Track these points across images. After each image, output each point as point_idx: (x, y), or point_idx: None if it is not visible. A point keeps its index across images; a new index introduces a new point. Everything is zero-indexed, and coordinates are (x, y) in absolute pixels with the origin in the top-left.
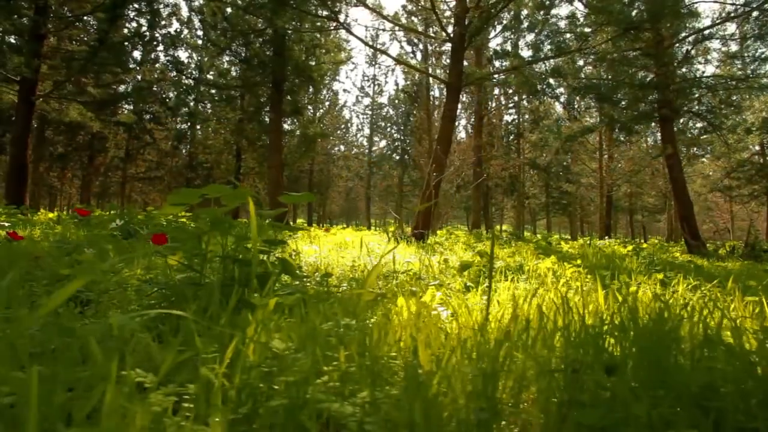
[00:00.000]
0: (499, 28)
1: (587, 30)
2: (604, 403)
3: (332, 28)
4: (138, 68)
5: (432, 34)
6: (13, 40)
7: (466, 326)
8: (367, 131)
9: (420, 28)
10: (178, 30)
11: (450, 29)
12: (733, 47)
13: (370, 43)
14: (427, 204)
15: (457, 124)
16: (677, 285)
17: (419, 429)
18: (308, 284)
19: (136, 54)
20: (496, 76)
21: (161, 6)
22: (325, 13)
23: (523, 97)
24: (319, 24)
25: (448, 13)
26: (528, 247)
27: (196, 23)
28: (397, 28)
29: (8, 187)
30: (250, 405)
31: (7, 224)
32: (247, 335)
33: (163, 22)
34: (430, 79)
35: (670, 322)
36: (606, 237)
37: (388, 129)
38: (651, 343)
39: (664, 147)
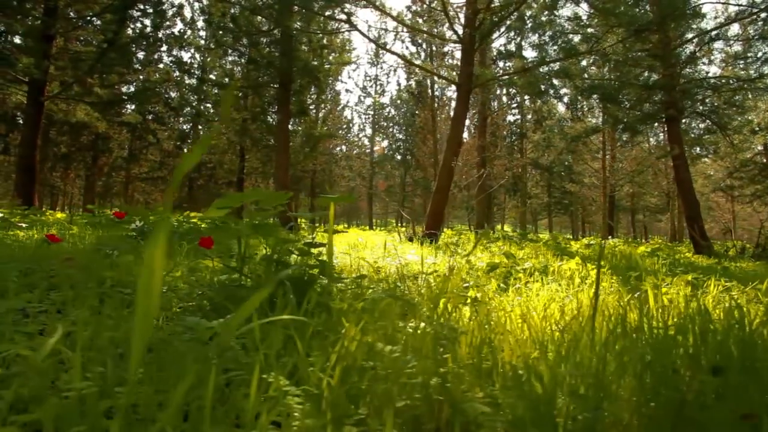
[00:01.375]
0: (502, 28)
1: (592, 31)
2: (711, 402)
3: (336, 29)
4: (142, 69)
5: (439, 36)
6: (18, 41)
7: (535, 328)
8: (369, 131)
9: (425, 29)
10: (182, 30)
11: (460, 30)
12: (737, 48)
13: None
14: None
15: None
16: (708, 287)
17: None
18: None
19: (140, 54)
20: (504, 77)
21: (166, 6)
22: (328, 12)
23: (526, 97)
24: (322, 24)
25: (452, 14)
26: (543, 247)
27: (200, 23)
28: (401, 28)
29: (18, 188)
30: (366, 406)
31: (24, 225)
32: (347, 336)
33: (167, 23)
34: (434, 78)
35: (745, 323)
36: (609, 237)
37: (391, 129)
38: (731, 345)
39: (670, 147)
